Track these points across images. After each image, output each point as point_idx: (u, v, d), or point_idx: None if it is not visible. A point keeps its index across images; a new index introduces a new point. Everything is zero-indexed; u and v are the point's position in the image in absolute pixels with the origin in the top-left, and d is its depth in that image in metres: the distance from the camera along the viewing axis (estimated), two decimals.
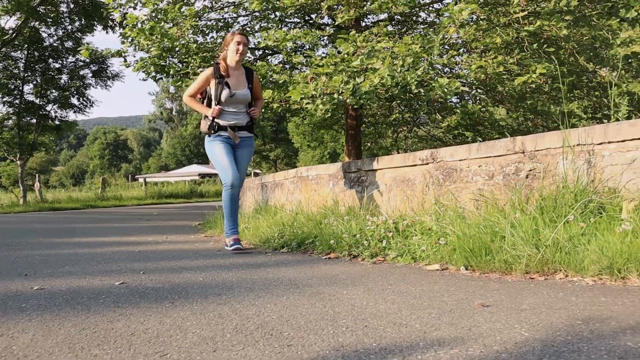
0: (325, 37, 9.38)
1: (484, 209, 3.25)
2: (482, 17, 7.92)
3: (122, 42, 8.32)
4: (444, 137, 9.73)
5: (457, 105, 7.72)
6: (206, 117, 4.20)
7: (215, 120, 4.16)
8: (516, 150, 3.30)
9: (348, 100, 6.96)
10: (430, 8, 8.76)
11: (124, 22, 8.15)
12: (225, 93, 4.13)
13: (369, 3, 7.10)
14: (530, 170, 3.24)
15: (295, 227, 4.28)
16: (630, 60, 7.70)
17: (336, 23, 8.33)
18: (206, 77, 4.20)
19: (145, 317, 1.88)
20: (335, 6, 7.70)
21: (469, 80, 7.45)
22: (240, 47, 4.10)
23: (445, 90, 6.23)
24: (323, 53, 9.34)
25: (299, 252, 3.80)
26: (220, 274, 2.84)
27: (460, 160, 3.69)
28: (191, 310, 1.97)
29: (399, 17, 8.78)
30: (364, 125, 12.11)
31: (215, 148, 4.15)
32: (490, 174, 3.46)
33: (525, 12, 6.54)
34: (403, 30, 9.19)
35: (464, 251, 2.58)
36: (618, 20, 6.31)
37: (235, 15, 10.14)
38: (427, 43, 6.30)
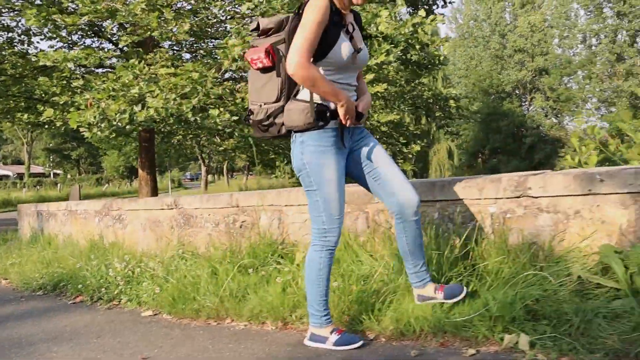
0: (116, 54, 9.56)
1: (211, 252, 4.04)
2: None
3: None
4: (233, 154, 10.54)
5: (235, 129, 8.52)
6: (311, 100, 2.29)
7: (325, 102, 2.34)
8: (233, 204, 4.14)
9: (127, 127, 7.37)
10: (217, 31, 9.40)
11: None
12: (347, 48, 2.35)
13: (151, 31, 7.51)
14: (243, 222, 4.10)
15: (56, 267, 4.67)
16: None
17: (119, 46, 8.63)
18: (326, 5, 2.26)
19: None
20: (126, 24, 7.97)
21: (241, 110, 8.29)
22: None
23: (218, 120, 7.03)
24: (113, 66, 9.45)
25: (53, 295, 4.23)
26: None
27: (195, 208, 4.44)
28: None
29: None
30: (160, 138, 12.45)
31: (328, 164, 2.34)
32: (216, 222, 4.26)
33: None
34: (193, 51, 9.78)
35: (169, 299, 3.30)
36: None
37: (18, 19, 9.82)
38: (199, 77, 6.93)
